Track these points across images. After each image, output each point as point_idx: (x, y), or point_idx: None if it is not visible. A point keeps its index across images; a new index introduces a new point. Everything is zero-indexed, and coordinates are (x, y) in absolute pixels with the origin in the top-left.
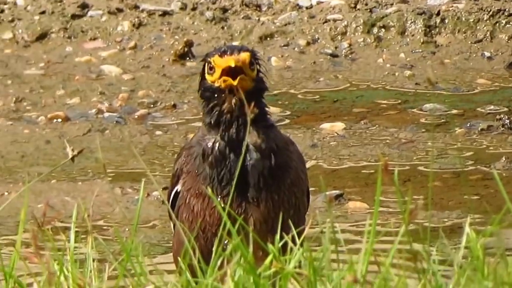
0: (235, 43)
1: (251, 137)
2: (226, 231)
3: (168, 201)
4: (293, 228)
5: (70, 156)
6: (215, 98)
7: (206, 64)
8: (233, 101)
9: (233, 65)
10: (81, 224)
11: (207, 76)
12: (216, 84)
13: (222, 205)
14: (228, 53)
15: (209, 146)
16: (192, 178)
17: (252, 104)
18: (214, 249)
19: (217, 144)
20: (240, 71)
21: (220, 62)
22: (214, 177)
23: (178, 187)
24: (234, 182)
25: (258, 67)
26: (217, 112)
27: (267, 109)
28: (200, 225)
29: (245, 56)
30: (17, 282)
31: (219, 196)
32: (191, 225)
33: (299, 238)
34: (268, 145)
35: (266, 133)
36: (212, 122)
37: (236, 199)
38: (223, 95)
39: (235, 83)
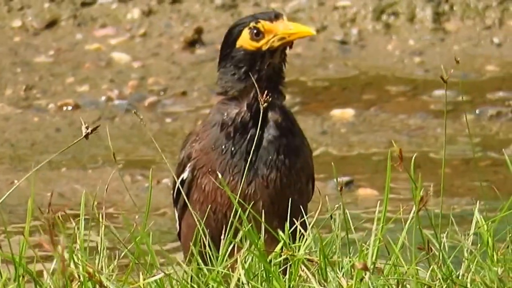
0: None
1: (272, 114)
2: (236, 219)
3: (173, 190)
4: (303, 213)
5: (84, 134)
6: (252, 67)
7: (248, 31)
8: (276, 61)
9: (292, 30)
10: (91, 212)
11: (247, 43)
12: (264, 48)
13: (232, 183)
14: (277, 18)
15: (231, 116)
16: (205, 155)
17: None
18: (222, 237)
19: (241, 115)
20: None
21: (273, 27)
22: (228, 149)
23: (185, 174)
24: (246, 161)
25: None
26: (256, 75)
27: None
28: (211, 206)
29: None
30: (26, 270)
31: (230, 173)
32: (202, 207)
33: (304, 224)
34: (287, 124)
35: (285, 112)
36: (246, 86)
37: (247, 178)
38: (265, 59)
39: (307, 31)
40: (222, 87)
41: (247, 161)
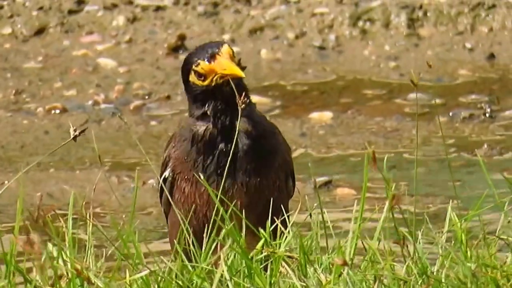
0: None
1: (242, 124)
2: (219, 217)
3: (159, 188)
4: (283, 211)
5: (72, 136)
6: (208, 97)
7: (193, 72)
8: (226, 90)
9: (227, 71)
10: (79, 211)
11: (196, 81)
12: (211, 85)
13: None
14: (213, 57)
15: (199, 132)
16: (181, 163)
17: (243, 94)
18: (205, 235)
19: (208, 131)
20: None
21: (211, 68)
22: (200, 163)
23: (166, 173)
24: (226, 169)
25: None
26: (211, 106)
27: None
28: (191, 207)
29: (227, 49)
30: (17, 268)
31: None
32: (183, 206)
33: (285, 221)
34: (257, 130)
35: (253, 118)
36: (209, 112)
37: (224, 185)
38: (216, 91)
39: (237, 73)
40: (189, 109)
41: (221, 175)
